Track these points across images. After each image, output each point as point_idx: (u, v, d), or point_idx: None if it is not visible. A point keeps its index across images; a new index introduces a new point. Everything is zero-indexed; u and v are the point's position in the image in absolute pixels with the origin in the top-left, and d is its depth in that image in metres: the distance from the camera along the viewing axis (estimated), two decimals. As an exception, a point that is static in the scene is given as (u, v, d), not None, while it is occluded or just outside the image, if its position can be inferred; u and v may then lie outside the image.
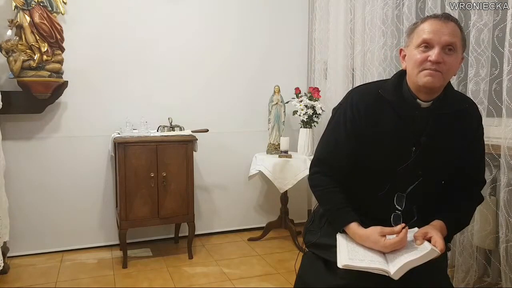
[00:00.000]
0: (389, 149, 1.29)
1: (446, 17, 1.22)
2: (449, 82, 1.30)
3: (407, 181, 1.31)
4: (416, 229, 1.27)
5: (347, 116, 1.33)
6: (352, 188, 1.36)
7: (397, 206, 1.31)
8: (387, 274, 1.14)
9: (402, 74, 1.33)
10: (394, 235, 1.21)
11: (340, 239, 1.30)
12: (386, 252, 1.21)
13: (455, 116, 1.29)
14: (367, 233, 1.24)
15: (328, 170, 1.37)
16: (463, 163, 1.34)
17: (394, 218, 1.31)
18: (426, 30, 1.21)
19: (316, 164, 1.41)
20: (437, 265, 1.25)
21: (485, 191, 1.92)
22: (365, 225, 1.27)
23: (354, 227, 1.27)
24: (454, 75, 1.32)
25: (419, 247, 1.18)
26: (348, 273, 1.20)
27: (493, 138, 1.90)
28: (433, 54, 1.18)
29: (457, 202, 1.35)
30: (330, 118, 1.43)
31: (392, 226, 1.27)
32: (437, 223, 1.28)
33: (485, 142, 1.85)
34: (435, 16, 1.23)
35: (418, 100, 1.27)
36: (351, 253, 1.21)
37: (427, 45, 1.21)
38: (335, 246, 1.27)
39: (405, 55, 1.30)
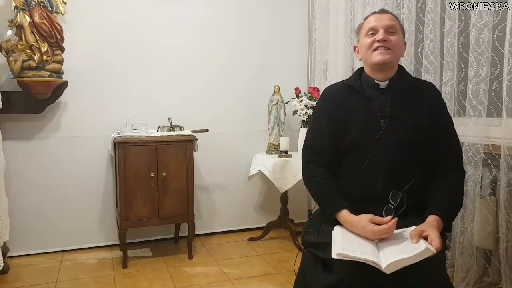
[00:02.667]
0: (361, 124, 1.44)
1: (382, 10, 1.53)
2: (402, 67, 1.53)
3: (384, 152, 1.40)
4: (413, 227, 1.27)
5: (322, 106, 1.56)
6: (339, 167, 1.48)
7: (391, 201, 1.35)
8: (378, 268, 1.15)
9: (360, 69, 1.57)
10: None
11: (336, 231, 1.31)
12: (374, 239, 1.27)
13: (412, 90, 1.47)
14: (358, 218, 1.32)
15: (317, 158, 1.51)
16: (435, 136, 1.43)
17: (386, 211, 1.34)
18: (370, 21, 1.49)
19: (305, 152, 1.56)
20: (436, 264, 1.26)
21: (485, 191, 1.92)
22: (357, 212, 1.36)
23: (345, 214, 1.36)
24: (402, 56, 1.53)
25: (415, 246, 1.18)
26: (343, 268, 1.22)
27: (493, 138, 1.90)
28: (379, 34, 1.43)
29: (442, 179, 1.40)
30: (312, 114, 1.61)
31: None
32: (431, 219, 1.30)
33: (485, 142, 1.88)
34: (374, 12, 1.53)
35: (376, 81, 1.48)
36: (345, 244, 1.22)
37: (373, 32, 1.46)
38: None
39: (358, 50, 1.55)
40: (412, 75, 1.60)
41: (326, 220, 1.43)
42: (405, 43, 1.53)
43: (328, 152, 1.49)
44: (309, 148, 1.55)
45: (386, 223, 1.26)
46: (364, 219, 1.30)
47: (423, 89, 1.50)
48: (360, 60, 1.54)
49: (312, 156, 1.52)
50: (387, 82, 1.47)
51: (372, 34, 1.45)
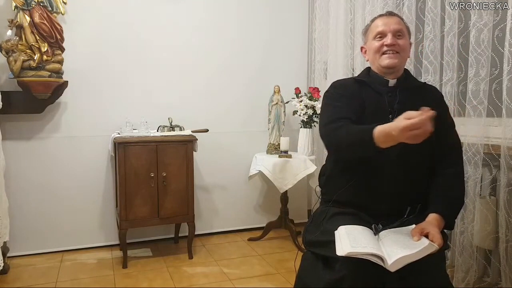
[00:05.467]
0: (371, 117, 1.43)
1: (390, 13, 1.56)
2: (408, 70, 1.57)
3: (391, 148, 1.35)
4: (413, 226, 1.28)
5: (335, 90, 1.54)
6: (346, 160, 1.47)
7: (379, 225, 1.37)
8: (383, 265, 1.15)
9: (367, 68, 1.60)
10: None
11: (341, 231, 1.31)
12: (406, 136, 1.15)
13: (418, 90, 1.52)
14: (394, 121, 1.21)
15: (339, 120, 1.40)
16: (436, 135, 1.39)
17: (375, 228, 1.36)
18: (378, 25, 1.51)
19: (325, 125, 1.44)
20: (436, 264, 1.26)
21: (485, 191, 1.92)
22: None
23: (379, 126, 1.24)
24: (409, 57, 1.57)
25: (417, 243, 1.19)
26: (345, 266, 1.22)
27: (493, 138, 1.90)
28: (387, 39, 1.46)
29: (441, 176, 1.42)
30: (323, 102, 1.58)
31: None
32: (432, 217, 1.31)
33: (485, 142, 1.89)
34: (381, 15, 1.56)
35: (385, 78, 1.51)
36: (353, 241, 1.21)
37: (381, 35, 1.49)
38: (334, 242, 1.27)
39: (365, 51, 1.58)
40: (416, 78, 1.64)
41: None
42: (411, 44, 1.57)
43: (349, 118, 1.39)
44: (329, 122, 1.41)
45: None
46: (399, 118, 1.19)
47: (427, 90, 1.54)
48: (367, 61, 1.57)
49: (335, 123, 1.40)
50: (395, 80, 1.51)
51: (380, 38, 1.49)
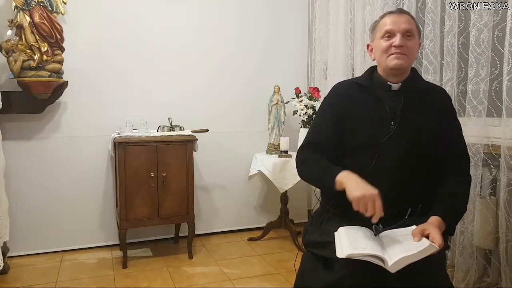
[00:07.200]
0: (370, 125, 1.42)
1: (400, 11, 1.47)
2: (415, 69, 1.51)
3: (392, 153, 1.39)
4: (414, 226, 1.28)
5: (331, 102, 1.52)
6: (345, 167, 1.41)
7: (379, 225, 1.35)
8: (384, 266, 1.15)
9: (372, 68, 1.54)
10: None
11: (340, 232, 1.30)
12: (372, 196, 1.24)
13: (424, 93, 1.46)
14: (357, 183, 1.29)
15: (315, 147, 1.48)
16: (443, 141, 1.42)
17: (375, 228, 1.34)
18: (387, 23, 1.43)
19: (303, 146, 1.54)
20: (436, 264, 1.26)
21: (485, 191, 1.92)
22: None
23: (345, 173, 1.32)
24: (415, 59, 1.50)
25: (417, 243, 1.18)
26: (345, 266, 1.22)
27: (493, 138, 1.90)
28: (396, 39, 1.39)
29: (447, 183, 1.39)
30: (318, 109, 1.57)
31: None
32: (433, 219, 1.30)
33: (485, 142, 1.89)
34: (390, 12, 1.47)
35: (388, 82, 1.45)
36: (353, 243, 1.21)
37: (389, 34, 1.41)
38: (333, 242, 1.27)
39: (372, 49, 1.51)
40: (424, 79, 1.58)
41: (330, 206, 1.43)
42: (420, 44, 1.52)
43: (328, 148, 1.45)
44: (309, 143, 1.51)
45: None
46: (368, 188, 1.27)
47: (435, 93, 1.48)
48: (374, 60, 1.51)
49: (310, 147, 1.50)
50: (399, 84, 1.45)
51: (388, 37, 1.41)
